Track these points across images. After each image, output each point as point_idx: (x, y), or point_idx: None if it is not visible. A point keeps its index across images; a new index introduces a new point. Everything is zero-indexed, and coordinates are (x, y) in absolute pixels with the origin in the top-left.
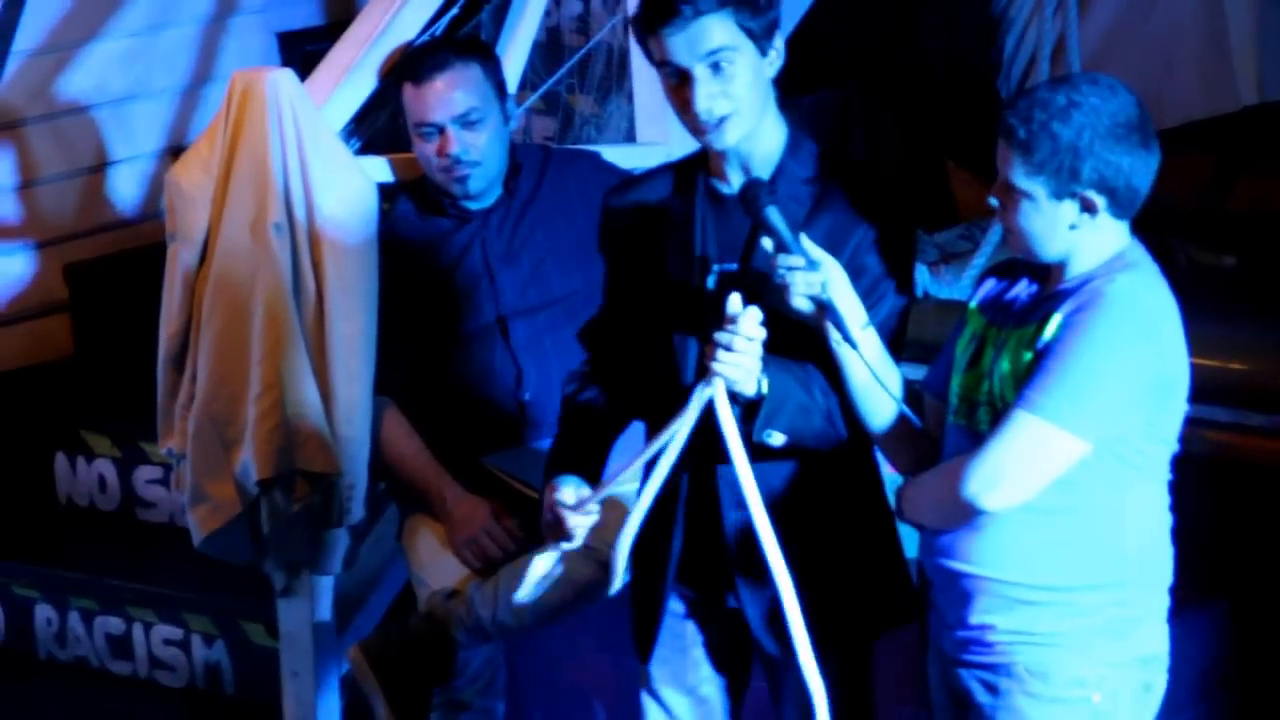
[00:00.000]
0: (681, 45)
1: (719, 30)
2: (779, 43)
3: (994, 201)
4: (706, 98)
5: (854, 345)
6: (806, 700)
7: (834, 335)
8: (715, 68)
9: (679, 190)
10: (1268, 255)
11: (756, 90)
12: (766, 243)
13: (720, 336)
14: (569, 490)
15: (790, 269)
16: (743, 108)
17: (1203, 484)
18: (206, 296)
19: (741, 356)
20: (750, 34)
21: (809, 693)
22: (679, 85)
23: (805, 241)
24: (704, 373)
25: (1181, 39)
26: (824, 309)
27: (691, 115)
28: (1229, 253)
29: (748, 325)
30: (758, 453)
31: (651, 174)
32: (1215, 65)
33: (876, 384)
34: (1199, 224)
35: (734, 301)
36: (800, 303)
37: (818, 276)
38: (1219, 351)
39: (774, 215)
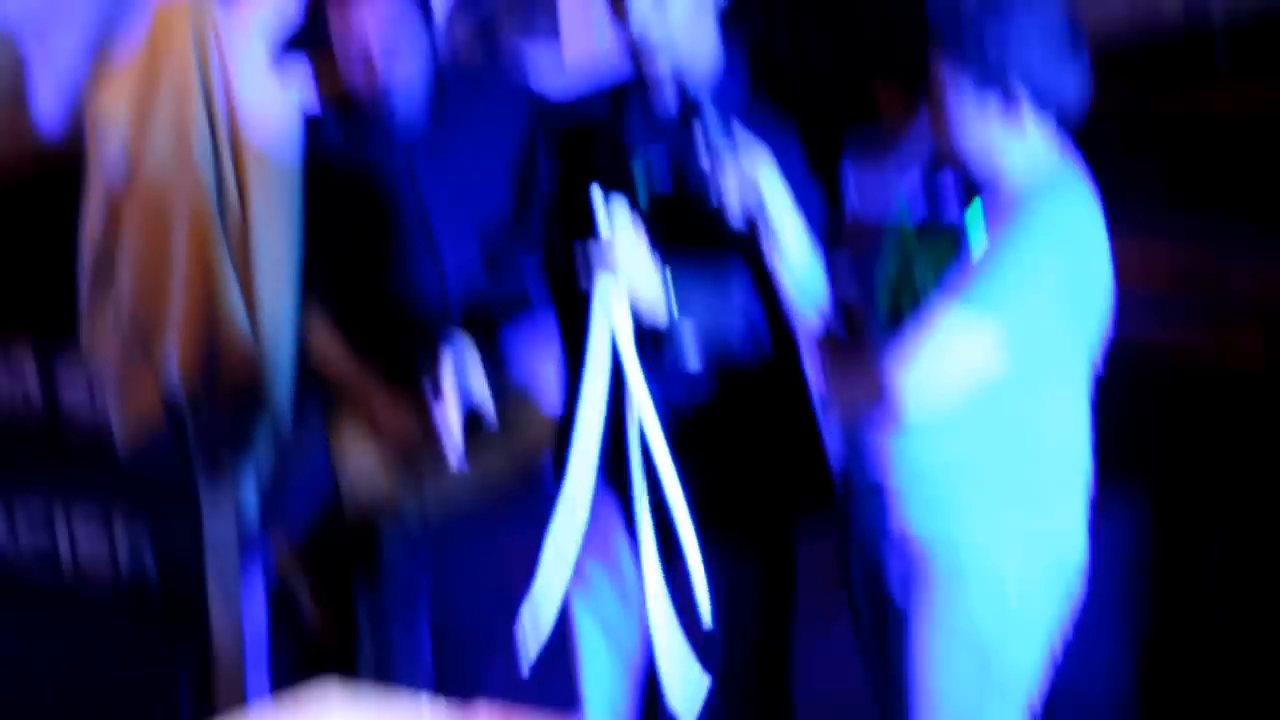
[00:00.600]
0: None
1: None
2: None
3: (922, 102)
4: (643, 22)
5: (784, 248)
6: (730, 592)
7: (765, 238)
8: None
9: (613, 108)
10: (1191, 163)
11: (698, 19)
12: (701, 145)
13: (599, 241)
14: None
15: (724, 170)
16: (679, 36)
17: (1123, 379)
18: (130, 215)
19: (625, 254)
20: None
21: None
22: (617, 1)
23: (740, 143)
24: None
25: None
26: (756, 211)
27: (626, 34)
28: (1152, 161)
29: (619, 220)
30: None
31: (586, 92)
32: None
33: (803, 289)
34: (1123, 133)
35: (596, 197)
36: (731, 206)
37: (751, 178)
38: (1140, 259)
39: (708, 117)
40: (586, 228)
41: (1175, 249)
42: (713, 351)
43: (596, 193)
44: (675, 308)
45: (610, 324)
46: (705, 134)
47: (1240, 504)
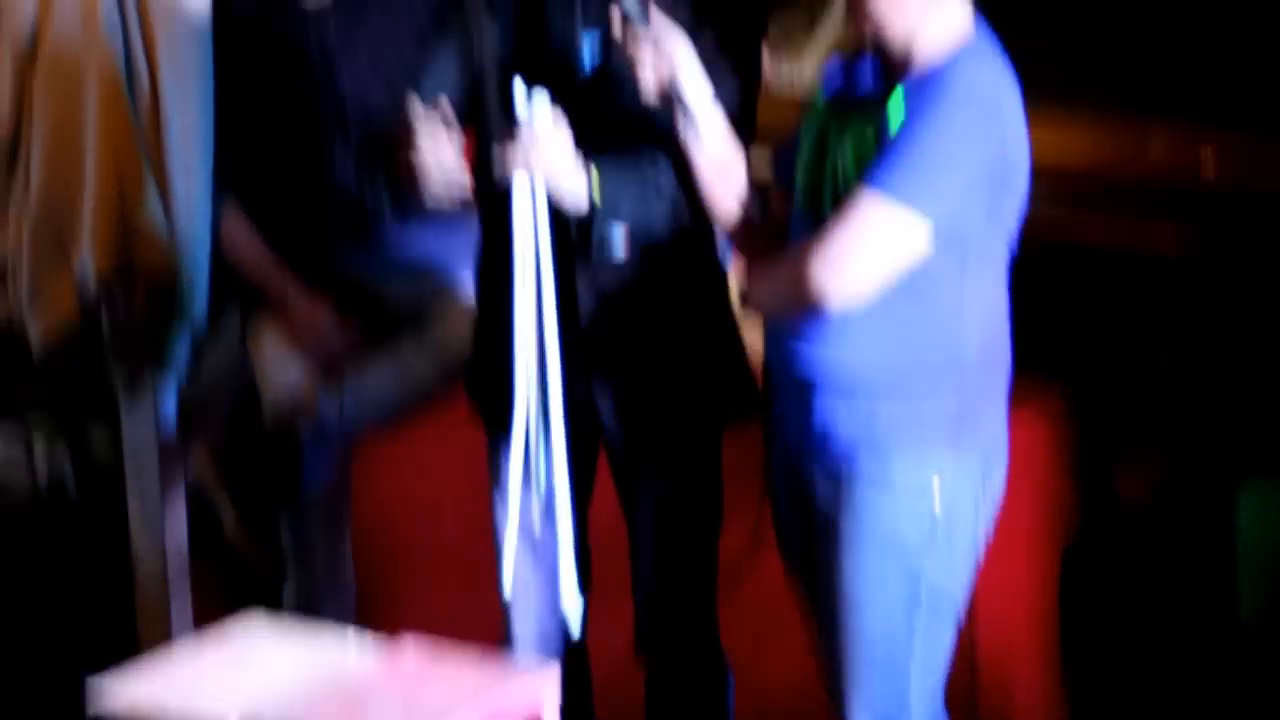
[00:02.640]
0: None
1: None
2: None
3: None
4: None
5: (698, 123)
6: (658, 495)
7: (679, 113)
8: None
9: None
10: (1099, 32)
11: None
12: (615, 19)
13: (520, 132)
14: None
15: (637, 47)
16: None
17: (1036, 268)
18: (38, 92)
19: (545, 148)
20: None
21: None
22: None
23: (653, 15)
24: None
25: None
26: (670, 85)
27: None
28: (1060, 32)
29: (539, 112)
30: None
31: None
32: None
33: (721, 165)
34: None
35: (518, 90)
36: (647, 78)
37: (664, 51)
38: (1055, 133)
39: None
40: (503, 115)
41: (1091, 128)
42: (633, 226)
43: (519, 85)
44: (598, 197)
45: (531, 224)
46: (622, 15)
47: (1156, 395)
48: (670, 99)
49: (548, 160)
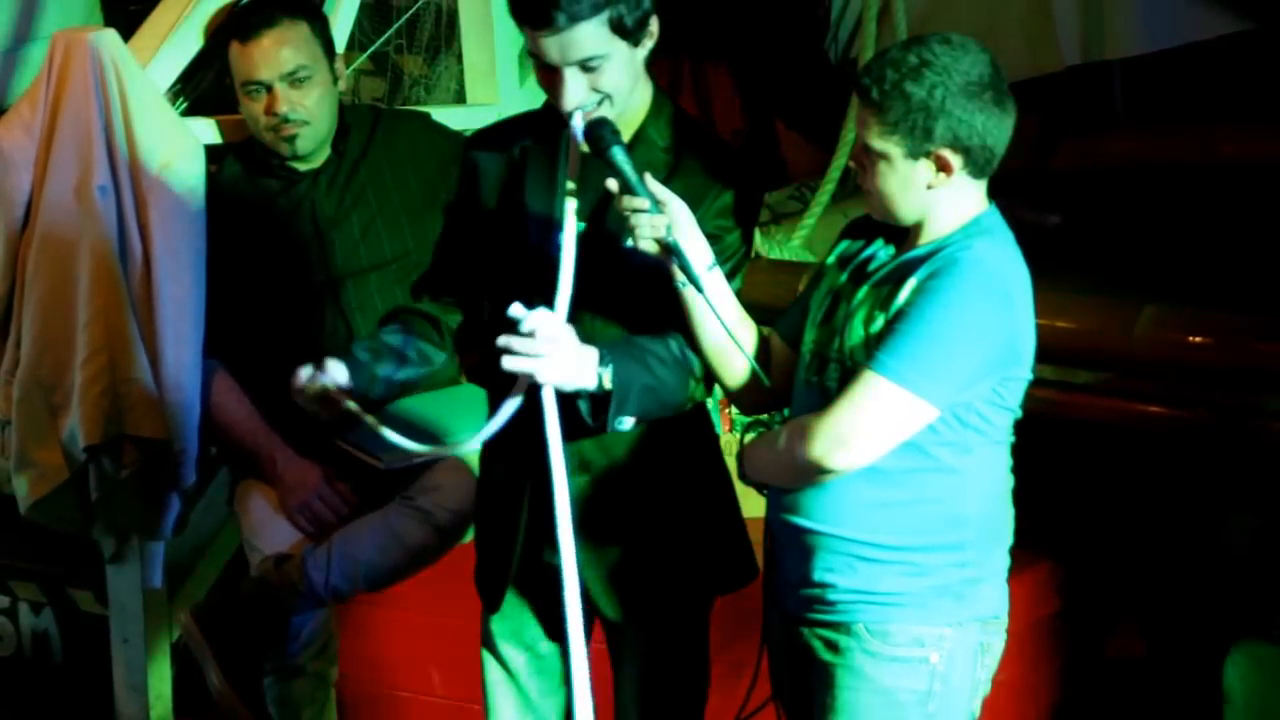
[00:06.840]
0: (553, 48)
1: (592, 38)
2: (653, 26)
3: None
4: (575, 92)
5: (699, 287)
6: (644, 663)
7: (679, 278)
8: (586, 68)
9: (541, 142)
10: (1091, 213)
11: (627, 78)
12: (612, 184)
13: (523, 345)
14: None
15: (635, 211)
16: (614, 95)
17: (1028, 442)
18: (31, 260)
19: (550, 355)
20: (623, 33)
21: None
22: (548, 71)
23: (650, 182)
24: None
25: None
26: (670, 251)
27: (559, 102)
28: (1054, 211)
29: (538, 325)
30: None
31: (515, 123)
32: (1040, 26)
33: (726, 341)
34: (1024, 183)
35: (515, 309)
36: (646, 245)
37: (662, 219)
38: (1045, 310)
39: (619, 155)
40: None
41: (1074, 300)
42: (641, 410)
43: (516, 306)
44: (606, 377)
45: (553, 431)
46: (610, 156)
47: (1147, 562)
48: (669, 260)
49: (559, 372)
